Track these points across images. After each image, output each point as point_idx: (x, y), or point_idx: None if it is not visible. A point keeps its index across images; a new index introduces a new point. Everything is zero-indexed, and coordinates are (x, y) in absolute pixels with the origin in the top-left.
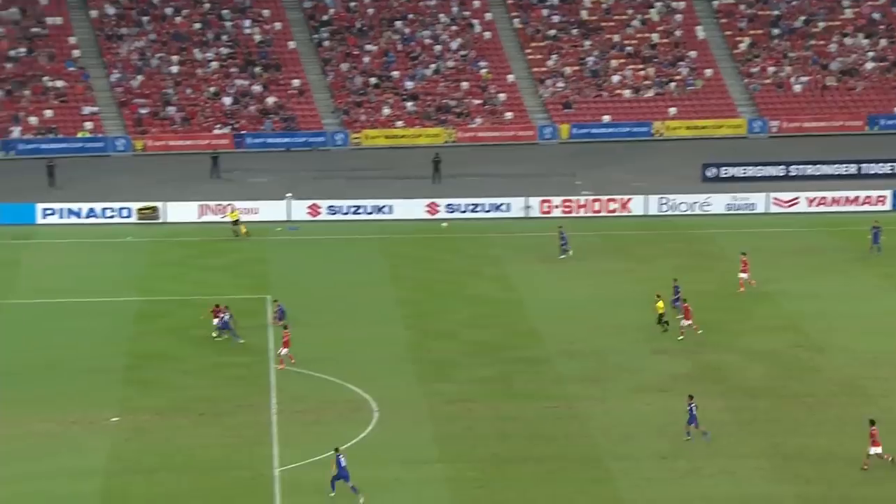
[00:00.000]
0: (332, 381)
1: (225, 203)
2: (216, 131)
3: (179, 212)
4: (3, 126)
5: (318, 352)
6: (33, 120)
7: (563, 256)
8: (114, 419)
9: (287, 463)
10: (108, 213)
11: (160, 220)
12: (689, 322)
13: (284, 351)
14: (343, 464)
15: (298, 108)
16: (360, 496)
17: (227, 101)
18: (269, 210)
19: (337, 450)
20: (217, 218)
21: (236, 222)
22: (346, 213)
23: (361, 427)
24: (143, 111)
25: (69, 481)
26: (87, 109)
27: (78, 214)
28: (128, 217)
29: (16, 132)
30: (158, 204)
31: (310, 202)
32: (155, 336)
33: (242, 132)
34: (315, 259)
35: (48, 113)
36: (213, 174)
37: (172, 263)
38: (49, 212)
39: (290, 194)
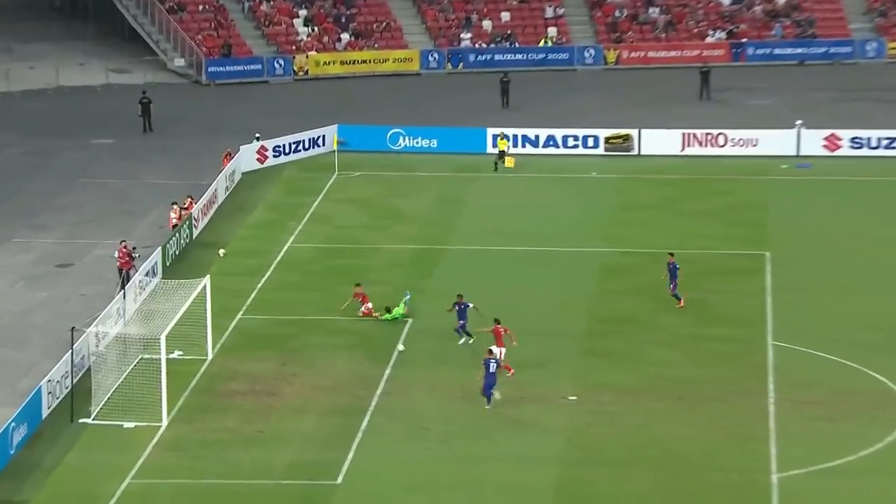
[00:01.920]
0: (847, 364)
1: (714, 131)
2: (709, 39)
3: (658, 142)
4: (452, 32)
5: (828, 328)
6: (487, 25)
7: None
8: (571, 398)
9: (787, 467)
10: (570, 141)
11: (634, 152)
12: None
13: (500, 351)
14: (492, 370)
15: (818, 8)
16: (496, 392)
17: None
18: (773, 141)
19: (490, 352)
20: (705, 151)
21: (502, 154)
22: (875, 148)
23: (888, 428)
24: (619, 14)
25: (519, 468)
26: (550, 11)
27: (534, 143)
28: (594, 147)
29: (466, 40)
30: (632, 131)
31: (827, 132)
32: (623, 296)
33: (742, 40)
34: (829, 206)
35: (504, 16)
36: (703, 94)
37: (646, 207)
38: (501, 139)
39: (800, 121)
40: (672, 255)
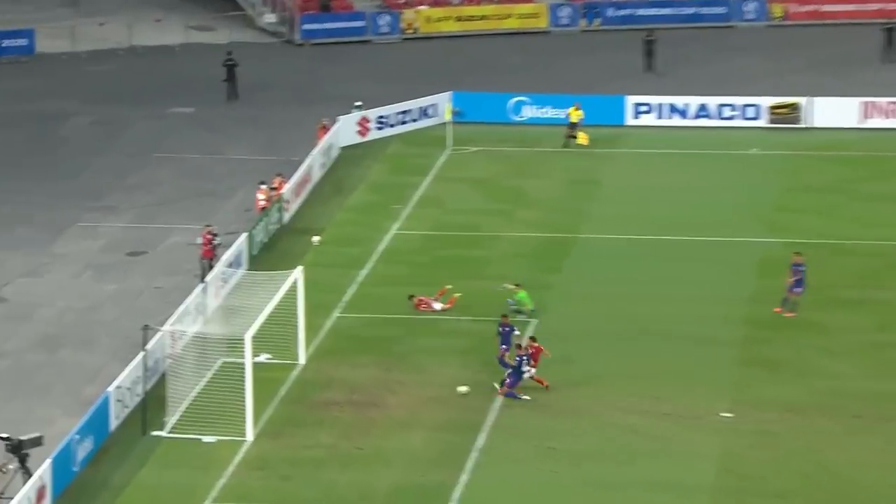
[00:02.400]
0: None
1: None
2: None
3: (832, 112)
4: None
5: None
6: None
7: None
8: (726, 415)
9: None
10: (727, 111)
11: (803, 124)
12: None
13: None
14: (525, 370)
15: None
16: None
17: None
18: None
19: (520, 347)
20: (889, 123)
21: (573, 126)
22: None
23: None
24: None
25: (663, 498)
26: None
27: (682, 113)
28: (755, 118)
29: None
30: (801, 100)
31: None
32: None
33: None
34: None
35: None
36: (887, 56)
37: (818, 189)
38: (643, 108)
39: None
40: (799, 254)
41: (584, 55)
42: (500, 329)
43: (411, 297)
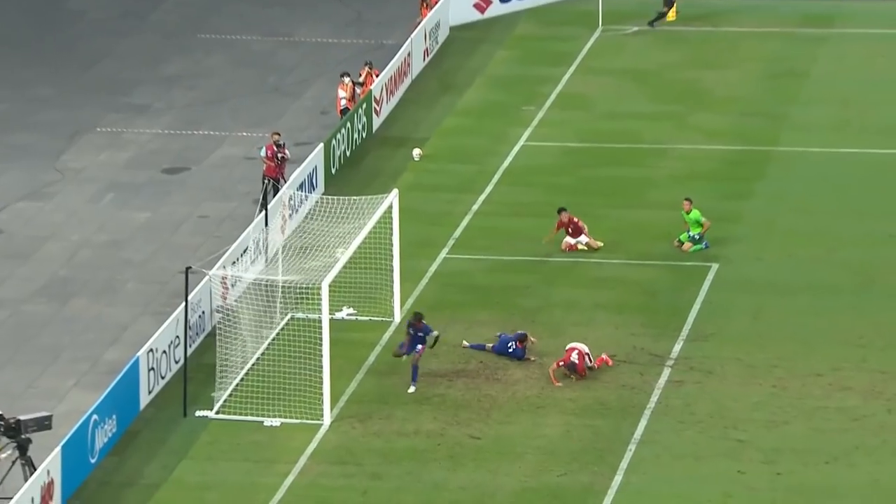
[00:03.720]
0: None
1: None
2: None
3: None
4: None
5: None
6: None
7: None
8: None
9: None
10: None
11: None
12: None
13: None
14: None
15: None
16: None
17: None
18: None
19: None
20: None
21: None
22: None
23: None
24: None
25: None
26: None
27: None
28: None
29: None
30: None
31: None
32: None
33: None
34: None
35: None
36: None
37: None
38: None
39: None
40: None
41: None
42: (409, 331)
43: (562, 209)
